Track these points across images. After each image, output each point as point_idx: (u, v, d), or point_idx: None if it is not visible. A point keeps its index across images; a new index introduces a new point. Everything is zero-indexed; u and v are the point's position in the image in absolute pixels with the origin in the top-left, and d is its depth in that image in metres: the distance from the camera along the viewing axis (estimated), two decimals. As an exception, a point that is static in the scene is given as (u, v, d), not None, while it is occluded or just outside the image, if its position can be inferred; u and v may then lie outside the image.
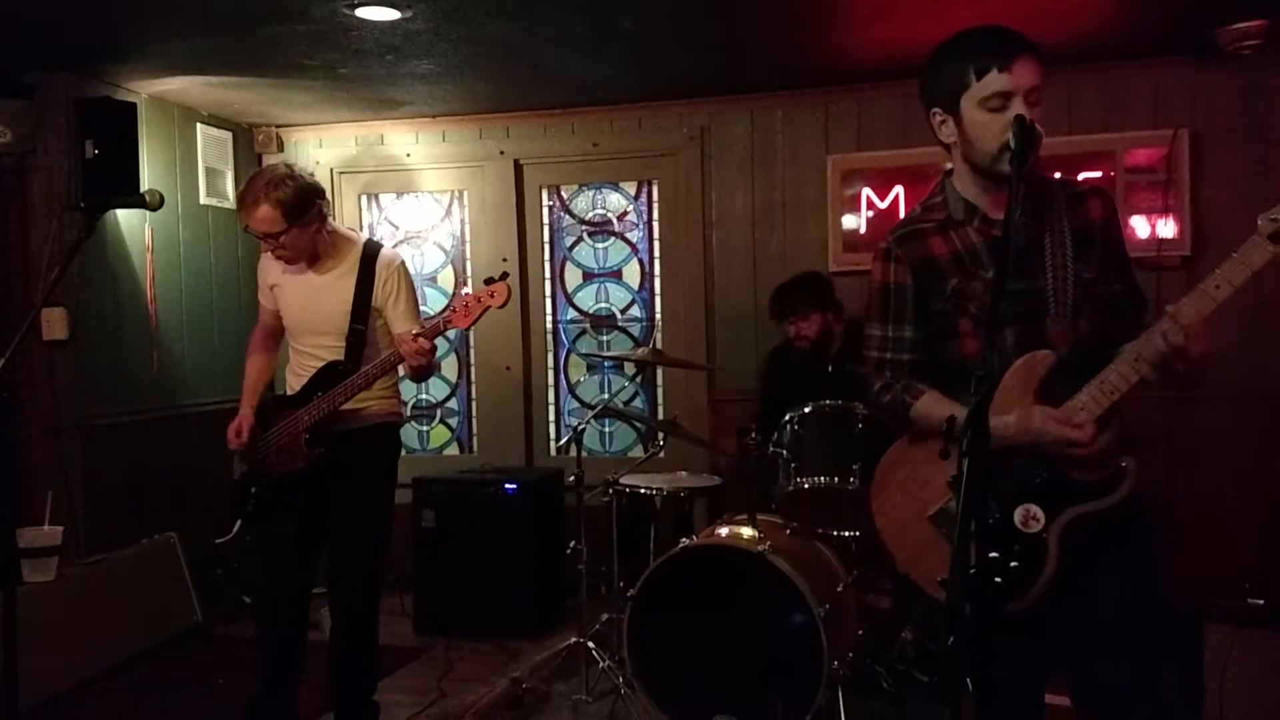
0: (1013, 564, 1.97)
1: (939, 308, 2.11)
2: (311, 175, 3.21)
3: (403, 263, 3.31)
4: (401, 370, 3.18)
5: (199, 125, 5.13)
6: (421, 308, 5.54)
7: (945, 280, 2.09)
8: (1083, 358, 1.99)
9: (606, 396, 5.41)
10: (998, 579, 1.96)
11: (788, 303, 4.24)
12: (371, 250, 3.26)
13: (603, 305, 5.47)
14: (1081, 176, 4.32)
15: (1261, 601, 3.31)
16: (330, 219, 3.25)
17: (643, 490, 4.00)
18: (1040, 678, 2.18)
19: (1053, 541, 1.97)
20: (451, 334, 5.63)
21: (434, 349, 3.03)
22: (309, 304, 3.26)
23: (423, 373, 3.15)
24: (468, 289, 3.01)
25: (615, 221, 5.44)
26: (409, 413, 5.73)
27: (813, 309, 4.17)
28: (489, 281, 3.00)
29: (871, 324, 2.22)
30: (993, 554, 1.98)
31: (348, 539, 3.30)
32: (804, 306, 4.18)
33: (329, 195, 5.47)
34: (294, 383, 3.30)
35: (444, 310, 3.07)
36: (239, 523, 3.43)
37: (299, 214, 3.08)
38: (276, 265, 3.29)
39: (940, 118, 2.08)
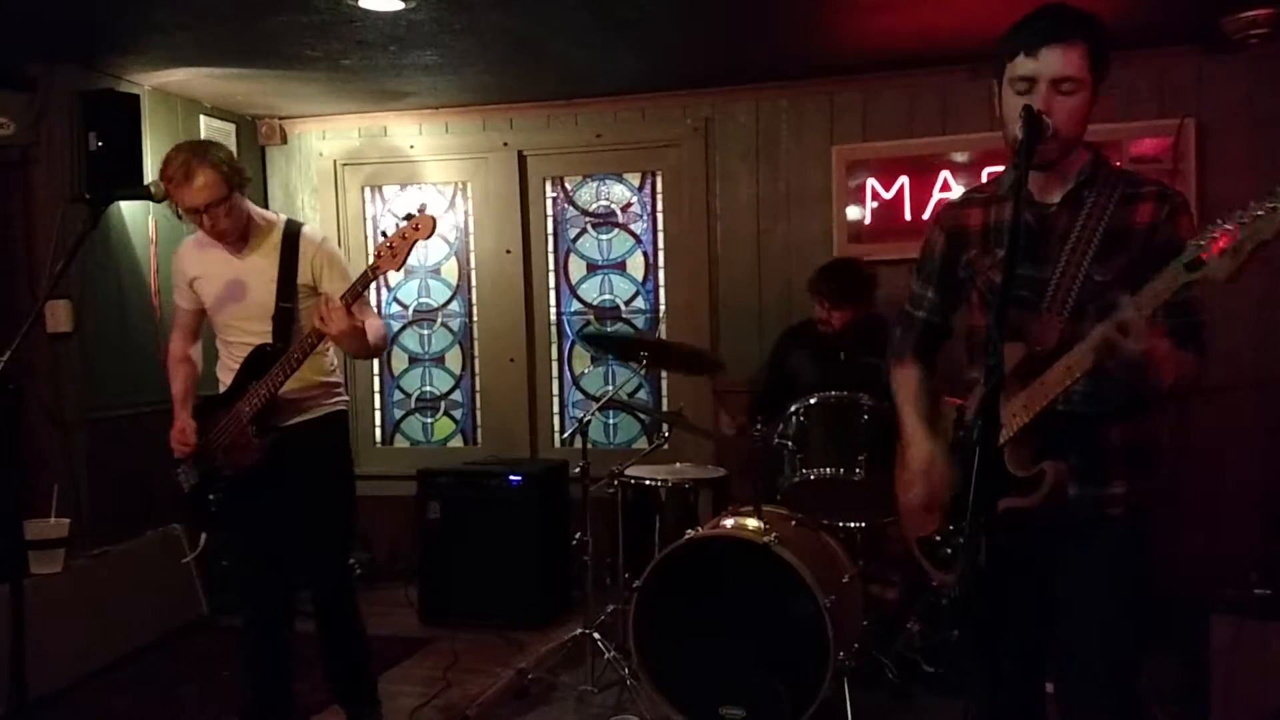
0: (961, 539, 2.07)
1: (961, 276, 2.18)
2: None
3: (326, 238, 3.22)
4: (340, 347, 3.03)
5: (202, 117, 5.12)
6: (423, 299, 5.60)
7: (967, 250, 2.15)
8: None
9: (611, 388, 5.41)
10: (948, 549, 2.12)
11: (836, 288, 4.11)
12: (293, 229, 3.16)
13: (607, 297, 5.46)
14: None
15: (1268, 592, 3.29)
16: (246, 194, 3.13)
17: (648, 481, 4.01)
18: (1040, 669, 2.20)
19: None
20: (456, 325, 5.64)
21: (349, 313, 2.82)
22: (234, 289, 3.14)
23: (356, 345, 2.96)
24: (388, 232, 2.87)
25: (619, 213, 5.43)
26: (413, 405, 5.74)
27: (851, 303, 4.12)
28: (408, 218, 2.85)
29: (912, 276, 2.33)
30: (951, 525, 2.12)
31: (313, 535, 3.23)
32: (847, 301, 4.10)
33: (332, 187, 5.56)
34: (225, 377, 3.20)
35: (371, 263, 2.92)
36: (204, 536, 3.38)
37: (238, 175, 3.00)
38: (199, 257, 3.19)
39: (995, 91, 2.08)
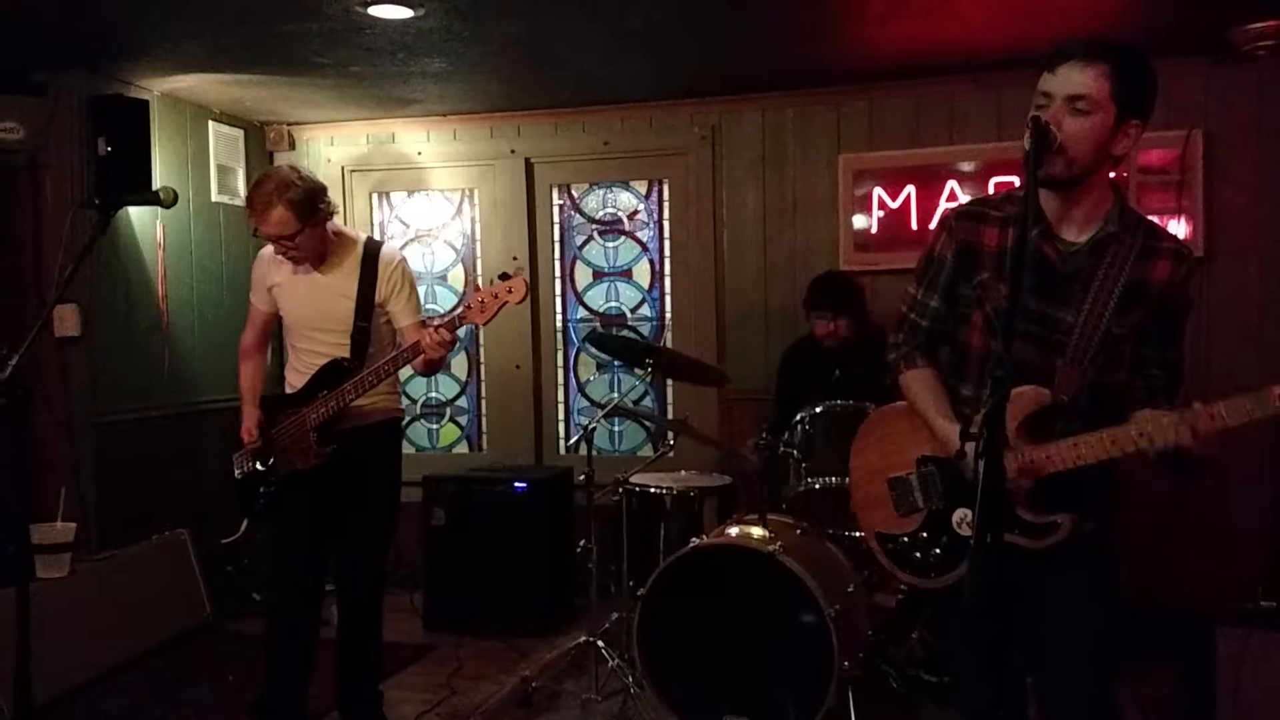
0: (936, 550, 2.17)
1: (965, 293, 2.17)
2: (314, 175, 3.23)
3: (403, 259, 3.34)
4: (413, 366, 3.18)
5: (211, 123, 5.15)
6: (430, 305, 5.61)
7: (979, 271, 2.13)
8: (1081, 405, 2.02)
9: (616, 395, 5.41)
10: (917, 554, 2.19)
11: (835, 299, 4.13)
12: (373, 248, 3.29)
13: (613, 304, 5.47)
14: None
15: (1274, 604, 3.28)
16: (332, 218, 3.26)
17: (653, 489, 4.00)
18: (1023, 686, 2.24)
19: None
20: (461, 331, 5.63)
21: (454, 341, 3.03)
22: (313, 303, 3.27)
23: (435, 366, 3.17)
24: (483, 284, 2.99)
25: (626, 220, 5.44)
26: (419, 410, 5.75)
27: (851, 310, 4.13)
28: (504, 277, 2.96)
29: (912, 281, 2.30)
30: (923, 533, 2.19)
31: (357, 537, 3.32)
32: (847, 308, 4.12)
33: (340, 193, 5.58)
34: (295, 380, 3.31)
35: (458, 305, 3.05)
36: (245, 522, 3.44)
37: (310, 214, 3.11)
38: (281, 266, 3.30)
39: None
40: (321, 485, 3.23)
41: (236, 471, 3.37)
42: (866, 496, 2.34)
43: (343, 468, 3.21)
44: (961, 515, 2.13)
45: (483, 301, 2.96)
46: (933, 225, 4.68)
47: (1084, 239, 2.03)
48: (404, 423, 5.65)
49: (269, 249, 3.31)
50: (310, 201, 3.10)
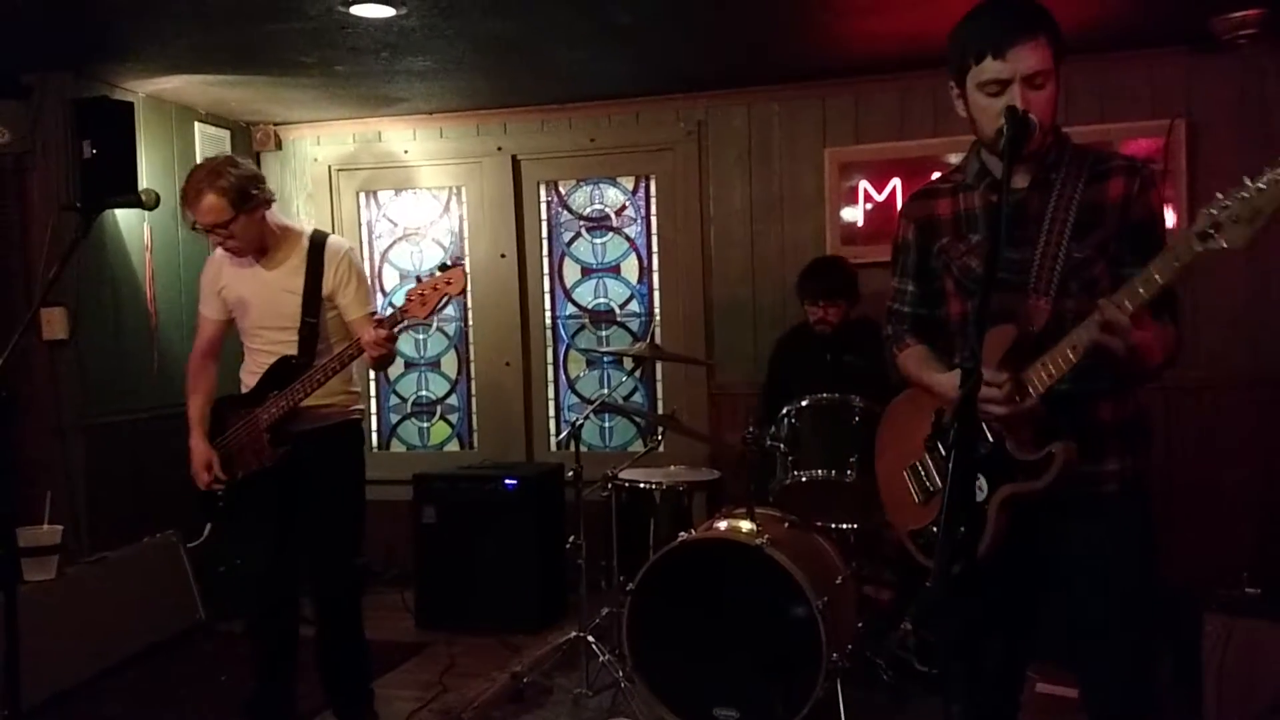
0: (960, 529, 2.00)
1: (932, 265, 2.19)
2: (250, 164, 3.19)
3: (351, 249, 3.28)
4: (364, 361, 3.10)
5: (196, 124, 5.14)
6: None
7: (939, 238, 2.16)
8: (1061, 335, 1.96)
9: (606, 391, 5.42)
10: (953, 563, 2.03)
11: (826, 284, 4.15)
12: (319, 239, 3.22)
13: (601, 300, 5.47)
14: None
15: (1259, 590, 3.30)
16: (274, 210, 3.21)
17: (642, 484, 4.01)
18: (1021, 664, 2.22)
19: (992, 512, 2.00)
20: (451, 330, 5.65)
21: (394, 338, 2.96)
22: (260, 300, 3.21)
23: (385, 362, 3.09)
24: (423, 276, 2.92)
25: (613, 216, 5.44)
26: (409, 409, 5.75)
27: (844, 296, 4.15)
28: (443, 268, 2.90)
29: (891, 274, 2.34)
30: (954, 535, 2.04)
31: (323, 540, 3.28)
32: (840, 294, 4.14)
33: (327, 193, 5.58)
34: (249, 380, 3.26)
35: (403, 300, 2.98)
36: (208, 526, 3.42)
37: (244, 200, 3.05)
38: (224, 267, 3.26)
39: (956, 92, 2.08)
40: (284, 488, 3.18)
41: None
42: (893, 498, 2.29)
43: (303, 471, 3.17)
44: (978, 482, 2.04)
45: (423, 294, 2.90)
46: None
47: (1025, 181, 2.05)
48: (396, 423, 5.74)
49: (216, 253, 3.28)
50: (242, 188, 3.05)
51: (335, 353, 3.10)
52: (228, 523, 3.34)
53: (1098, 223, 2.00)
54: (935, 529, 2.09)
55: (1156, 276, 1.77)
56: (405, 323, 2.95)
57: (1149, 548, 2.09)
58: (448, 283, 2.88)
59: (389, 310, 3.06)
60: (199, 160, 5.09)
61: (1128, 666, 2.05)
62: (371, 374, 5.72)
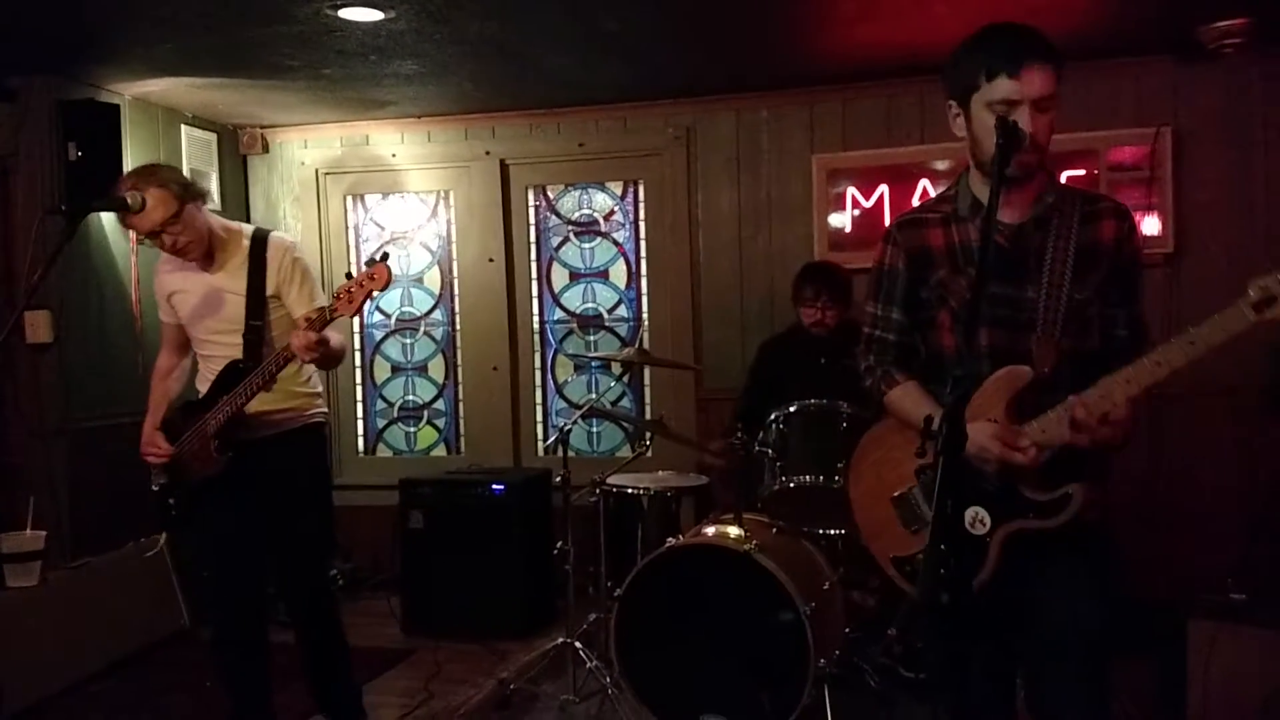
0: (953, 559, 2.03)
1: (925, 296, 2.19)
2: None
3: (293, 245, 3.20)
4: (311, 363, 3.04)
5: (183, 127, 5.12)
6: (406, 308, 5.60)
7: (934, 271, 2.16)
8: (1062, 376, 2.02)
9: (594, 396, 5.41)
10: (940, 570, 2.04)
11: (828, 286, 4.15)
12: (260, 236, 3.16)
13: (589, 305, 5.47)
14: (1065, 176, 4.33)
15: (1244, 596, 3.31)
16: (206, 199, 3.14)
17: (630, 490, 4.00)
18: (1012, 683, 2.24)
19: (994, 547, 2.04)
20: (438, 334, 5.64)
21: (323, 341, 2.84)
22: (206, 305, 3.15)
23: (329, 362, 3.00)
24: (351, 273, 2.87)
25: (601, 221, 5.44)
26: (395, 414, 5.73)
27: (843, 300, 4.16)
28: (370, 263, 2.84)
29: (868, 301, 2.32)
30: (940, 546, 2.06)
31: (289, 548, 3.22)
32: (839, 298, 4.15)
33: (314, 196, 5.56)
34: (202, 387, 3.21)
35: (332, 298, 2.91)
36: (163, 535, 3.38)
37: (184, 189, 3.01)
38: (173, 273, 3.20)
39: (955, 111, 2.11)
40: (236, 496, 3.12)
41: (153, 484, 3.28)
42: (872, 523, 2.28)
43: (266, 478, 3.12)
44: (974, 514, 2.06)
45: (349, 291, 2.82)
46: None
47: (1024, 216, 2.08)
48: (382, 428, 5.72)
49: (161, 260, 3.22)
50: (178, 179, 3.02)
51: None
52: (183, 531, 3.27)
53: (1094, 265, 2.05)
54: (921, 557, 2.11)
55: (1182, 353, 1.86)
56: (333, 320, 2.86)
57: (1116, 575, 2.15)
58: (371, 278, 2.81)
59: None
60: (185, 163, 5.10)
61: (1084, 690, 2.08)
62: (358, 379, 5.72)
